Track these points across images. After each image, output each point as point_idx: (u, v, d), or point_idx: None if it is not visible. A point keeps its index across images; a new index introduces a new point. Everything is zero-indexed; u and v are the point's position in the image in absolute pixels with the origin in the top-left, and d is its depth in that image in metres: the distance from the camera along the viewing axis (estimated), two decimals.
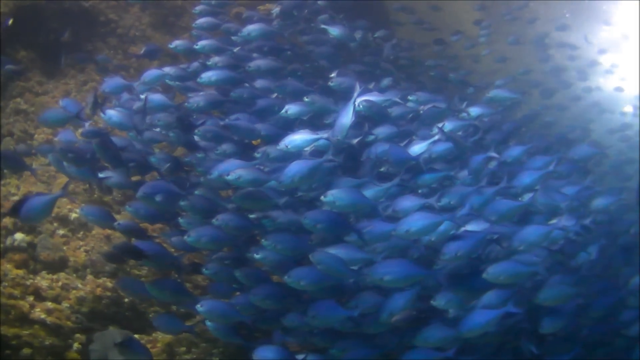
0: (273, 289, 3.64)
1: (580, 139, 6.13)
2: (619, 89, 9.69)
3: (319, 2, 5.50)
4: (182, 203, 3.73)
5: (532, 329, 3.76)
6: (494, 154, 4.17)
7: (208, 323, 3.80)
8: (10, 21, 5.48)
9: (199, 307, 3.63)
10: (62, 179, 4.80)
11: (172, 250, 4.04)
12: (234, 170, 3.57)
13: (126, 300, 4.22)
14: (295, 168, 3.49)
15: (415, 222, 3.46)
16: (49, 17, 5.95)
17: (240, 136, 4.13)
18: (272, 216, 3.72)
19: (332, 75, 5.00)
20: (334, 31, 5.03)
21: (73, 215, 4.67)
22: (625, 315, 4.06)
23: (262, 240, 3.56)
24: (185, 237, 3.64)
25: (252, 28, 4.72)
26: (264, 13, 6.14)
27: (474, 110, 4.59)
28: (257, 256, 3.73)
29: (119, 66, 5.95)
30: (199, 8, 5.13)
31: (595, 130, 8.02)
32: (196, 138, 4.10)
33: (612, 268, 4.32)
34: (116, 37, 6.23)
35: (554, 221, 4.00)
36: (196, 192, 3.97)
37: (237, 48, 4.78)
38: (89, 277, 4.31)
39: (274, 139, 3.96)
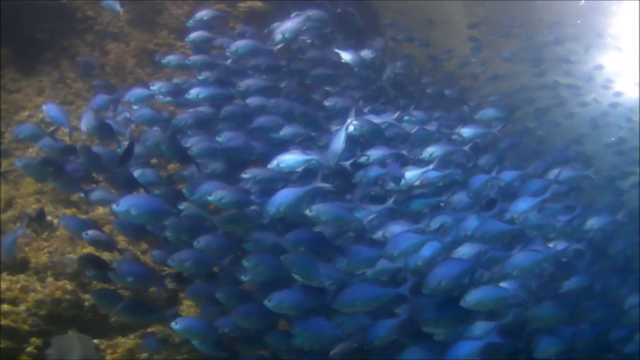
0: (256, 308, 3.55)
1: (574, 157, 6.07)
2: (614, 105, 9.66)
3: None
4: (166, 223, 3.67)
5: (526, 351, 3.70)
6: (493, 176, 4.14)
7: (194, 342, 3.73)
8: None
9: (174, 325, 3.57)
10: (30, 180, 4.75)
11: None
12: (216, 191, 3.51)
13: (87, 303, 4.11)
14: (280, 197, 3.40)
15: (400, 243, 3.40)
16: (25, 13, 5.84)
17: (236, 156, 4.07)
18: (254, 238, 3.65)
19: (328, 88, 4.98)
20: (347, 56, 4.92)
21: None
22: (619, 332, 4.02)
23: (243, 261, 3.50)
24: (169, 260, 3.59)
25: (240, 44, 4.60)
26: (246, 10, 6.10)
27: (466, 132, 4.55)
28: (244, 278, 3.68)
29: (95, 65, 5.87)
30: (192, 22, 5.07)
31: (591, 145, 8.01)
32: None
33: (608, 291, 4.28)
34: (93, 34, 6.14)
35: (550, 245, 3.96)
36: (181, 206, 3.88)
37: (229, 62, 4.68)
38: (50, 279, 4.19)
39: (268, 157, 3.86)
